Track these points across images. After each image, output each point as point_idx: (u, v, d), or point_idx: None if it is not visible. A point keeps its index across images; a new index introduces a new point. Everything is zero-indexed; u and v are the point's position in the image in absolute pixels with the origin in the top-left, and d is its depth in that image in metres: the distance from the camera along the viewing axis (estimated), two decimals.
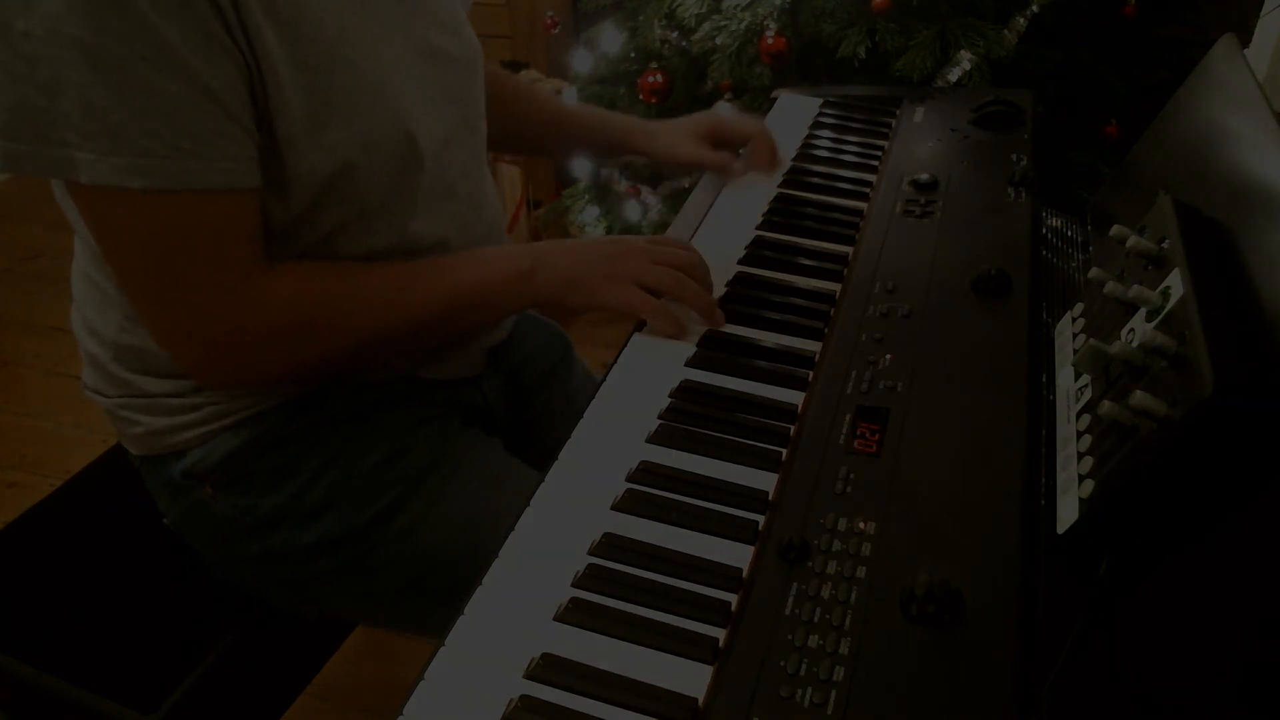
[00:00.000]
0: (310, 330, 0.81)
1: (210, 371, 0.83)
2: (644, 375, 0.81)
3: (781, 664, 0.55)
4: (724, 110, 1.54)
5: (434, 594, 0.88)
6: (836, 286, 0.90)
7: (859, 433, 0.71)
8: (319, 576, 0.90)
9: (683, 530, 0.66)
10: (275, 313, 0.79)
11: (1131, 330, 0.65)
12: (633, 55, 1.73)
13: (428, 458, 0.90)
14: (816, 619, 0.58)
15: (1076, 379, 0.70)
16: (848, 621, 0.57)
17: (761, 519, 0.67)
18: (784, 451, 0.72)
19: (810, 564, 0.61)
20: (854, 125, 1.22)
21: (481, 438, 0.97)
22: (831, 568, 0.61)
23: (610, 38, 1.76)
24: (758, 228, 1.01)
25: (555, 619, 0.60)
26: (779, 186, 1.09)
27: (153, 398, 0.88)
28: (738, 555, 0.64)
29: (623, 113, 1.21)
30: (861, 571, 0.60)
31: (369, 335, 0.83)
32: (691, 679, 0.56)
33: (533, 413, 1.08)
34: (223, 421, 0.87)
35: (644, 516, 0.67)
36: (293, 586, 0.93)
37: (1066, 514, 0.61)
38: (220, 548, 0.93)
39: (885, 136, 1.18)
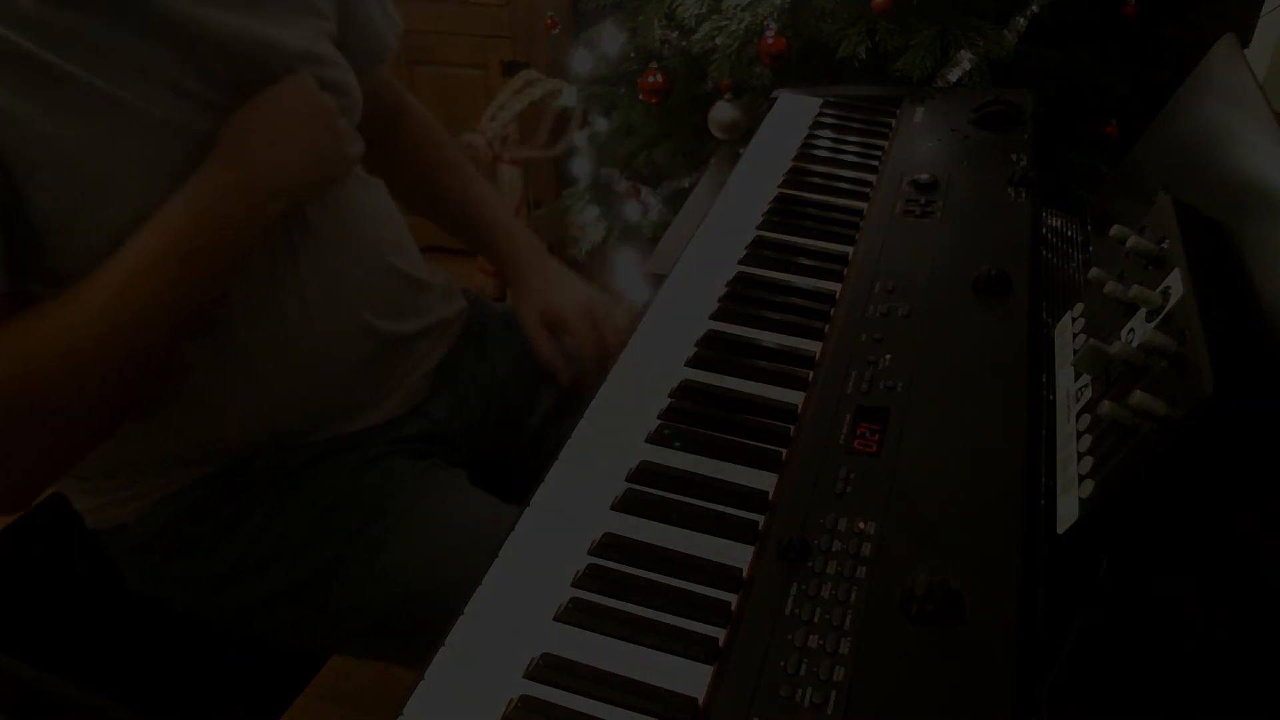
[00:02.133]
0: (29, 405, 0.67)
1: None
2: (644, 375, 0.81)
3: (781, 664, 0.55)
4: (724, 111, 1.54)
5: (397, 635, 0.87)
6: (836, 286, 0.90)
7: (859, 433, 0.71)
8: (283, 621, 0.91)
9: (683, 530, 0.66)
10: None
11: (1131, 330, 0.65)
12: (633, 55, 1.72)
13: (367, 506, 0.88)
14: (816, 619, 0.57)
15: (1076, 379, 0.70)
16: (848, 621, 0.57)
17: (761, 519, 0.66)
18: (784, 451, 0.72)
19: (810, 564, 0.61)
20: (854, 125, 1.22)
21: (431, 471, 0.93)
22: (831, 568, 0.61)
23: (610, 38, 1.76)
24: (758, 227, 1.01)
25: (555, 619, 0.60)
26: (779, 186, 1.09)
27: (79, 479, 0.87)
28: (738, 555, 0.64)
29: (517, 236, 1.05)
30: (861, 571, 0.60)
31: (113, 356, 0.68)
32: (691, 679, 0.56)
33: (530, 418, 1.07)
34: (151, 497, 0.86)
35: (644, 516, 0.67)
36: (262, 627, 0.93)
37: (1066, 514, 0.61)
38: (185, 603, 0.93)
39: (885, 136, 1.18)
